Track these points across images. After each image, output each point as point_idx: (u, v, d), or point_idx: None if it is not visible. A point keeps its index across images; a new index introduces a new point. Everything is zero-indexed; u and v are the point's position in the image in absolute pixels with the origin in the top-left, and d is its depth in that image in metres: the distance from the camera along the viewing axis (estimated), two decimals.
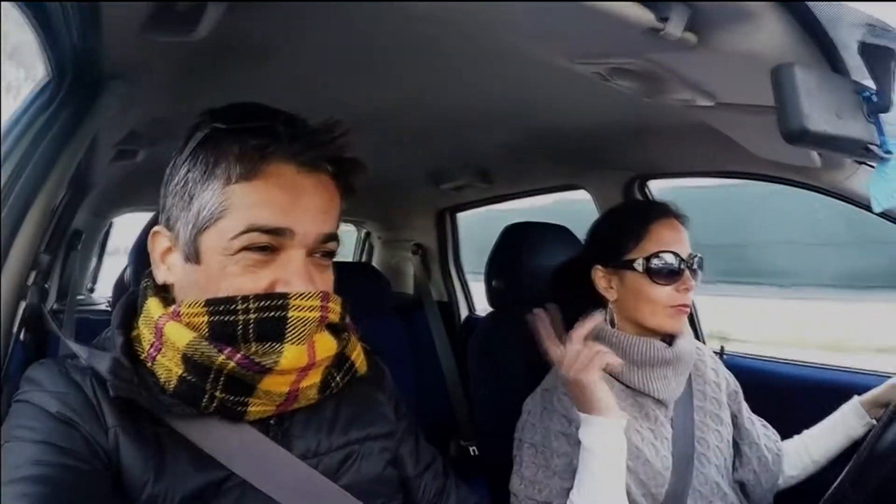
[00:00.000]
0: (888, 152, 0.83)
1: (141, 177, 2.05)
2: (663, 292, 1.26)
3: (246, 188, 0.78)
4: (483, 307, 2.86)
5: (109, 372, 0.77)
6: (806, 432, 1.47)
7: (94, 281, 3.40)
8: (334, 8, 1.02)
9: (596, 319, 1.22)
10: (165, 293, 0.87)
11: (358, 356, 0.95)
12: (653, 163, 1.90)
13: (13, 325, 1.07)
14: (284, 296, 0.78)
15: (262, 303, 0.77)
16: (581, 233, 1.49)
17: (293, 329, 0.78)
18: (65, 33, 1.02)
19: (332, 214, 0.84)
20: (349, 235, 3.68)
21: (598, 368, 1.15)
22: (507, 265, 1.80)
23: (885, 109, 0.82)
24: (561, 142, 1.86)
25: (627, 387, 1.28)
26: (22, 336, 1.19)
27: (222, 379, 0.78)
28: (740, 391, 1.47)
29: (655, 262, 1.27)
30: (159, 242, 0.86)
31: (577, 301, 1.35)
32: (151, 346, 0.81)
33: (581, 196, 2.17)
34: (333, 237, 0.85)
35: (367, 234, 3.57)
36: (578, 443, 1.16)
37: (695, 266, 1.29)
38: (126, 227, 3.29)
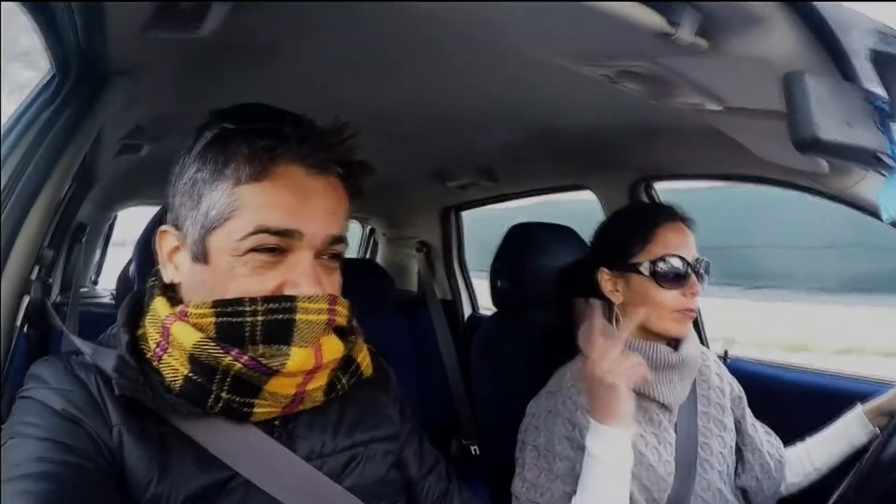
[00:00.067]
0: None
1: (145, 171, 2.05)
2: (669, 296, 1.26)
3: (255, 189, 0.78)
4: (485, 304, 2.86)
5: (115, 370, 0.76)
6: (809, 439, 1.46)
7: (98, 273, 3.41)
8: (339, 7, 1.02)
9: (639, 316, 1.22)
10: (172, 292, 0.87)
11: (364, 358, 0.94)
12: (659, 164, 1.89)
13: (16, 319, 1.07)
14: (292, 298, 0.78)
15: (270, 305, 0.77)
16: (584, 232, 1.49)
17: (300, 332, 0.78)
18: (68, 30, 1.01)
19: (340, 216, 0.84)
20: (353, 232, 3.68)
21: (634, 379, 1.14)
22: (512, 266, 1.79)
23: None
24: (567, 142, 1.85)
25: (632, 391, 1.28)
26: (25, 331, 1.19)
27: (228, 380, 0.78)
28: (744, 397, 1.46)
29: (662, 266, 1.26)
30: (167, 241, 0.86)
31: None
32: (158, 345, 0.81)
33: (579, 196, 2.17)
34: (341, 239, 0.85)
35: (372, 231, 3.57)
36: (582, 447, 1.15)
37: (701, 270, 1.29)
38: (130, 220, 3.30)
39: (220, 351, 0.76)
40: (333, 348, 0.83)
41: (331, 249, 0.84)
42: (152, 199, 2.98)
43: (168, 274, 0.86)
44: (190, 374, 0.78)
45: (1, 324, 0.96)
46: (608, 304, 1.33)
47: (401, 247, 3.26)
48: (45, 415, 0.75)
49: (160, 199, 0.89)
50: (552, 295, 1.54)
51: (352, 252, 3.57)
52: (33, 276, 1.09)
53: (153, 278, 0.89)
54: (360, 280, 1.02)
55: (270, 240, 0.78)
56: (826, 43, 0.82)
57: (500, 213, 2.76)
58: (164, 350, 0.80)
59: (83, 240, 2.32)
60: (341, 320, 0.84)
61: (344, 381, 0.90)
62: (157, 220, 1.01)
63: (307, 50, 1.24)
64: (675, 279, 1.26)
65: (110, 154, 1.80)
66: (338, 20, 1.10)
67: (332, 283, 0.85)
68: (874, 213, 1.32)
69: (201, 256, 0.81)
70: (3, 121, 1.11)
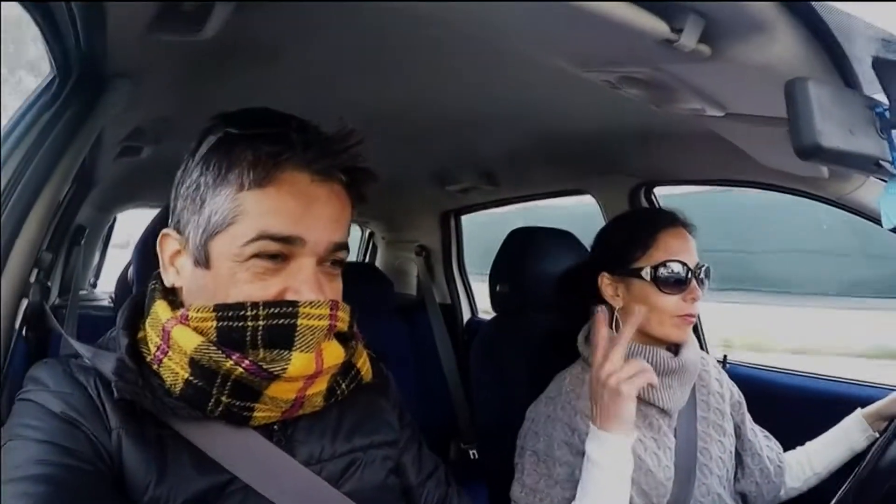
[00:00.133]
0: None
1: (145, 173, 2.05)
2: (670, 301, 1.26)
3: (259, 195, 0.78)
4: (484, 308, 2.86)
5: (114, 373, 0.77)
6: (808, 444, 1.47)
7: (97, 276, 3.40)
8: (340, 9, 1.02)
9: (640, 315, 1.20)
10: (173, 296, 0.87)
11: (364, 364, 0.94)
12: (659, 169, 1.89)
13: (15, 322, 1.07)
14: (294, 303, 0.78)
15: (272, 310, 0.77)
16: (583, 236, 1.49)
17: (302, 337, 0.78)
18: (69, 32, 1.01)
19: (343, 224, 0.84)
20: (353, 235, 3.68)
21: (640, 385, 1.13)
22: (512, 270, 1.79)
23: None
24: (567, 146, 1.86)
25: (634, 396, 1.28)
26: (24, 333, 1.18)
27: (229, 384, 0.78)
28: (743, 402, 1.46)
29: (663, 271, 1.26)
30: (168, 245, 0.86)
31: (583, 307, 1.34)
32: (158, 348, 0.80)
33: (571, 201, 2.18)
34: (344, 246, 0.85)
35: (371, 234, 3.57)
36: (581, 452, 1.15)
37: (702, 276, 1.29)
38: (132, 222, 3.30)
39: (221, 355, 0.76)
40: (334, 354, 0.83)
41: (333, 256, 0.84)
42: (152, 202, 2.98)
43: (169, 278, 0.86)
44: (190, 378, 0.78)
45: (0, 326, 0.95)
46: (609, 309, 1.33)
47: (400, 250, 3.26)
48: (44, 417, 0.75)
49: (160, 201, 0.89)
50: (552, 299, 1.54)
51: (351, 256, 3.57)
52: (32, 279, 1.09)
53: (154, 281, 0.89)
54: (359, 284, 1.02)
55: (273, 246, 0.78)
56: (829, 50, 0.82)
57: (497, 217, 2.78)
58: (165, 353, 0.80)
59: (82, 242, 2.32)
60: (342, 326, 0.84)
61: (344, 386, 0.90)
62: (157, 223, 1.01)
63: (308, 53, 1.24)
64: (676, 284, 1.26)
65: (110, 156, 1.80)
66: (338, 23, 1.10)
67: (334, 289, 0.85)
68: (873, 218, 1.33)
69: (203, 261, 0.81)
70: (4, 122, 1.11)
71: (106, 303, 2.75)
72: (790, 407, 1.69)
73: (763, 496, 1.39)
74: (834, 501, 1.17)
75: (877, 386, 1.60)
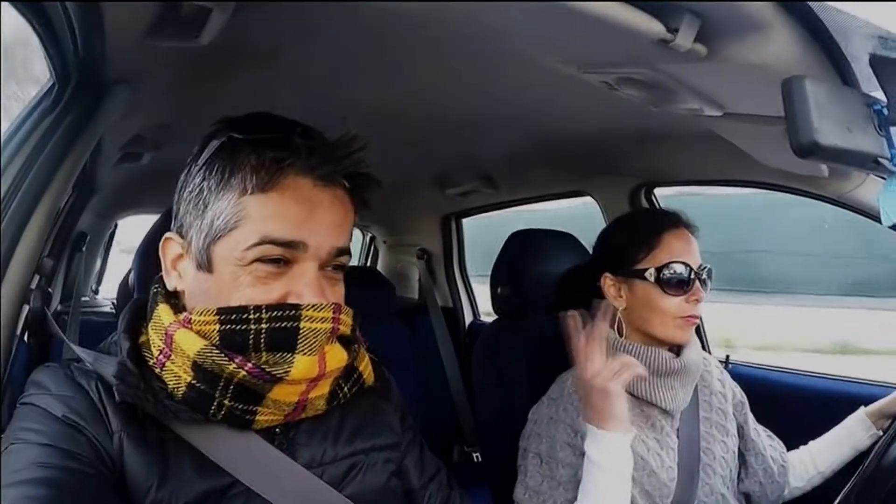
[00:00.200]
0: None
1: (146, 179, 2.06)
2: (673, 303, 1.26)
3: (261, 200, 0.78)
4: (486, 310, 2.86)
5: (116, 377, 0.77)
6: (811, 443, 1.46)
7: (99, 282, 3.40)
8: (339, 11, 1.02)
9: (608, 312, 1.21)
10: (175, 300, 0.87)
11: (366, 367, 0.95)
12: (659, 170, 1.89)
13: (16, 328, 1.07)
14: (297, 306, 0.78)
15: (275, 313, 0.77)
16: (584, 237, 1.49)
17: (305, 340, 0.78)
18: (67, 37, 1.01)
19: (345, 229, 0.84)
20: (354, 239, 3.67)
21: (626, 380, 1.13)
22: (513, 272, 1.79)
23: None
24: (567, 148, 1.86)
25: (634, 396, 1.27)
26: (26, 339, 1.19)
27: (232, 387, 0.78)
28: (746, 402, 1.46)
29: (666, 273, 1.26)
30: (171, 249, 0.86)
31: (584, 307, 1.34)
32: (161, 352, 0.81)
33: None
34: (346, 251, 0.85)
35: (373, 238, 3.57)
36: (584, 453, 1.15)
37: (704, 277, 1.29)
38: (136, 228, 3.30)
39: (224, 358, 0.76)
40: (337, 357, 0.83)
41: (335, 261, 0.84)
42: (153, 208, 2.98)
43: (172, 281, 0.86)
44: (193, 382, 0.78)
45: (1, 332, 0.95)
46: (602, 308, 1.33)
47: (402, 254, 3.26)
48: (45, 421, 0.75)
49: (161, 207, 0.89)
50: (553, 300, 1.54)
51: (353, 260, 3.58)
52: (33, 286, 1.09)
53: (156, 285, 0.89)
54: (361, 288, 1.02)
55: (275, 251, 0.78)
56: (825, 48, 0.82)
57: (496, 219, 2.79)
58: (168, 357, 0.80)
59: (83, 248, 2.32)
60: (345, 329, 0.84)
61: (346, 389, 0.90)
62: (158, 229, 1.02)
63: (307, 56, 1.24)
64: (680, 286, 1.26)
65: (111, 162, 1.80)
66: (337, 24, 1.10)
67: (337, 294, 0.85)
68: (873, 217, 1.32)
69: (205, 265, 0.81)
70: (4, 129, 1.11)
71: (108, 309, 2.75)
72: (793, 406, 1.69)
73: (767, 496, 1.38)
74: (838, 500, 1.16)
75: (880, 385, 1.60)
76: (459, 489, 1.07)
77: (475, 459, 2.53)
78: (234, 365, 0.76)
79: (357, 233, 3.61)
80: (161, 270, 0.87)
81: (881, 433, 1.34)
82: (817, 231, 4.73)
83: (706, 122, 1.13)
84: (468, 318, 2.98)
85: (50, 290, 1.46)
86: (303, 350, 0.78)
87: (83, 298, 2.61)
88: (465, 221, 3.00)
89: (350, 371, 0.91)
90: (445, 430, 2.66)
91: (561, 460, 1.20)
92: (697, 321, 1.29)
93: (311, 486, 0.85)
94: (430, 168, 2.42)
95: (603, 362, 1.13)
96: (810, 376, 1.80)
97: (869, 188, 1.35)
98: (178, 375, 0.79)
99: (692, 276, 1.26)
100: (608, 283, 1.34)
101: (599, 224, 1.84)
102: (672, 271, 1.26)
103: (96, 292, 3.34)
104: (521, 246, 1.80)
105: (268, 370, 0.77)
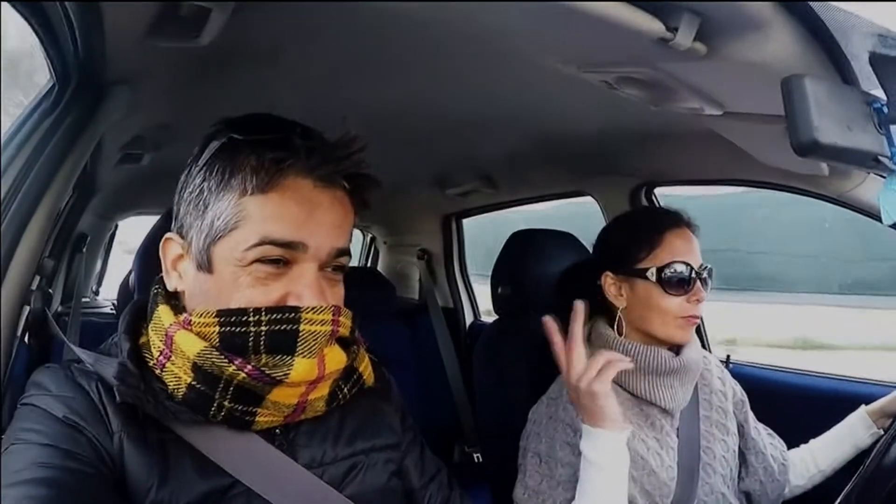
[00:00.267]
0: None
1: (146, 180, 2.06)
2: (674, 303, 1.26)
3: (261, 200, 0.78)
4: (486, 309, 2.86)
5: (116, 377, 0.76)
6: (812, 442, 1.46)
7: (99, 283, 3.41)
8: (339, 11, 1.02)
9: (581, 313, 1.20)
10: (175, 300, 0.87)
11: (366, 368, 0.94)
12: (660, 170, 1.89)
13: (17, 329, 1.07)
14: (296, 309, 0.78)
15: (274, 315, 0.77)
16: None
17: (304, 342, 0.78)
18: (67, 38, 1.01)
19: (345, 230, 0.84)
20: (355, 240, 3.68)
21: (610, 378, 1.13)
22: (513, 272, 1.79)
23: None
24: (567, 148, 1.86)
25: (633, 395, 1.27)
26: (26, 340, 1.19)
27: (231, 389, 0.78)
28: (746, 400, 1.46)
29: (667, 272, 1.26)
30: (171, 249, 0.86)
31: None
32: (161, 353, 0.81)
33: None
34: (346, 252, 0.85)
35: (373, 239, 3.57)
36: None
37: (705, 276, 1.29)
38: (137, 229, 3.30)
39: (224, 360, 0.76)
40: (336, 359, 0.83)
41: (335, 262, 0.84)
42: (153, 209, 2.98)
43: (172, 282, 0.86)
44: (193, 383, 0.78)
45: (1, 333, 0.95)
46: (602, 310, 1.34)
47: (402, 254, 3.26)
48: (46, 421, 0.75)
49: (161, 208, 0.89)
50: (554, 300, 1.53)
51: (353, 260, 3.58)
52: (34, 287, 1.09)
53: (157, 286, 0.89)
54: (361, 288, 1.02)
55: (275, 251, 0.78)
56: (825, 46, 0.82)
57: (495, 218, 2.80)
58: (168, 358, 0.80)
59: (84, 249, 2.32)
60: (344, 331, 0.84)
61: (346, 390, 0.90)
62: (158, 230, 1.02)
63: (308, 56, 1.24)
64: (681, 285, 1.26)
65: (111, 163, 1.80)
66: (337, 25, 1.10)
67: (336, 295, 0.85)
68: (874, 216, 1.32)
69: (205, 265, 0.81)
70: (4, 130, 1.11)
71: (108, 309, 2.75)
72: (794, 405, 1.69)
73: (767, 494, 1.38)
74: (839, 500, 1.16)
75: (881, 383, 1.60)
76: (460, 489, 1.07)
77: (475, 459, 2.53)
78: (234, 367, 0.76)
79: (357, 233, 3.61)
80: (161, 271, 0.87)
81: (882, 432, 1.34)
82: (785, 228, 4.90)
83: (706, 121, 1.13)
84: (468, 319, 2.98)
85: (50, 290, 1.46)
86: (302, 352, 0.78)
87: (83, 299, 2.62)
88: (466, 221, 2.99)
89: (350, 372, 0.90)
90: (446, 430, 2.66)
91: (560, 459, 1.20)
92: (698, 321, 1.29)
93: (312, 487, 0.86)
94: (430, 168, 2.42)
95: (584, 364, 1.13)
96: (811, 375, 1.80)
97: (869, 187, 1.35)
98: (178, 376, 0.79)
99: (693, 275, 1.26)
100: (608, 282, 1.34)
101: (599, 224, 1.84)
102: (673, 271, 1.26)
103: (97, 293, 3.34)
104: (522, 246, 1.80)
105: (267, 372, 0.77)
